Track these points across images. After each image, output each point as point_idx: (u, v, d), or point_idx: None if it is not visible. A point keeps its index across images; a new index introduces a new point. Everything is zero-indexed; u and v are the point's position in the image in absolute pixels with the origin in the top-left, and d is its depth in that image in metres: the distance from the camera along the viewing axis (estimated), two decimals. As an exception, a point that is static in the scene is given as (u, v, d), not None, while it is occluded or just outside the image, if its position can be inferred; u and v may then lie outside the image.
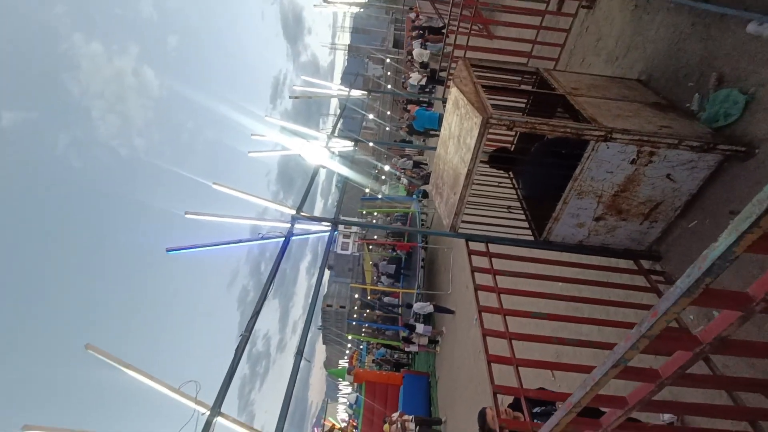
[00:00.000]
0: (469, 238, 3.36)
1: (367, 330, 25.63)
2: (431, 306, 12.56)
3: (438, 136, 3.61)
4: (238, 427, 2.28)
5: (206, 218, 3.82)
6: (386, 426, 9.62)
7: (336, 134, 6.07)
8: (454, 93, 3.14)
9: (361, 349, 25.25)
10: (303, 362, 2.82)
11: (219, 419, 2.21)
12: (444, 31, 9.45)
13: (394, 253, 21.77)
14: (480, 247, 3.32)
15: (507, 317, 2.73)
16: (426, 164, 19.25)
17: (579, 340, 2.60)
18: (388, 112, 33.07)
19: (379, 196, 22.66)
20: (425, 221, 16.70)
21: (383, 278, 20.70)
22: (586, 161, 2.77)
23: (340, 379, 24.12)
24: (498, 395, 2.35)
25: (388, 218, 24.45)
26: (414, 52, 13.86)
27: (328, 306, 53.03)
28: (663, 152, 2.69)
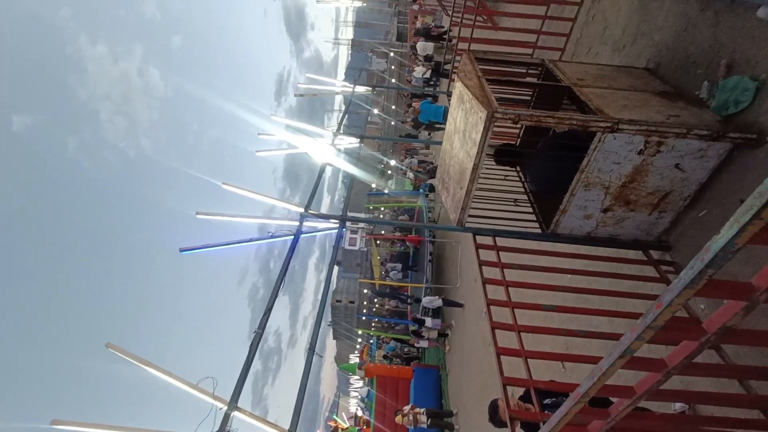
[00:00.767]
0: (476, 232, 3.37)
1: (376, 324, 25.80)
2: (440, 300, 12.60)
3: (443, 129, 3.61)
4: (255, 421, 2.35)
5: (217, 218, 3.89)
6: (398, 417, 9.73)
7: (341, 131, 6.09)
8: (458, 87, 3.14)
9: (371, 344, 25.45)
10: (315, 357, 2.88)
11: (236, 413, 2.28)
12: (445, 36, 9.37)
13: (402, 248, 21.82)
14: (487, 240, 3.33)
15: (516, 310, 2.75)
16: (431, 162, 19.19)
17: (587, 331, 2.62)
18: (393, 107, 32.95)
19: (386, 192, 22.67)
20: (432, 215, 16.69)
21: (392, 273, 20.79)
22: (592, 153, 2.76)
23: (351, 374, 24.36)
24: (508, 387, 2.38)
25: (396, 213, 24.48)
26: (418, 46, 13.79)
27: (337, 301, 53.41)
28: (671, 142, 2.66)
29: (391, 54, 35.07)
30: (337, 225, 3.93)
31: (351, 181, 5.96)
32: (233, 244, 3.64)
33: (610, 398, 1.62)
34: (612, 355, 1.10)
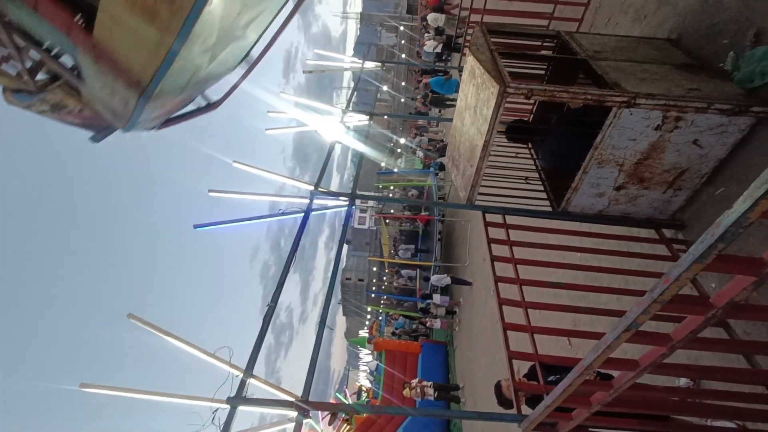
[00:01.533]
0: (485, 210, 3.36)
1: (385, 301, 26.27)
2: (448, 278, 12.72)
3: (455, 106, 3.55)
4: (269, 388, 2.47)
5: (229, 196, 3.95)
6: (406, 390, 10.05)
7: (350, 108, 6.01)
8: (470, 62, 3.06)
9: (381, 320, 26.02)
10: (326, 330, 2.98)
11: (251, 380, 2.40)
12: (459, 41, 8.98)
13: (411, 227, 21.87)
14: (497, 218, 3.33)
15: (523, 287, 2.77)
16: (441, 140, 18.90)
17: (593, 308, 2.64)
18: (403, 83, 32.24)
19: (395, 170, 22.53)
20: (442, 193, 16.61)
21: (400, 251, 20.95)
22: (607, 129, 2.69)
23: (360, 348, 25.07)
24: (514, 363, 2.44)
25: (405, 191, 24.44)
26: (429, 17, 13.29)
27: (347, 279, 54.30)
28: (690, 117, 2.58)
29: (401, 28, 34.01)
30: (347, 203, 3.95)
31: (360, 160, 5.94)
32: (245, 220, 3.71)
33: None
34: (617, 329, 1.11)
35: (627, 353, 2.07)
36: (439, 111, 16.48)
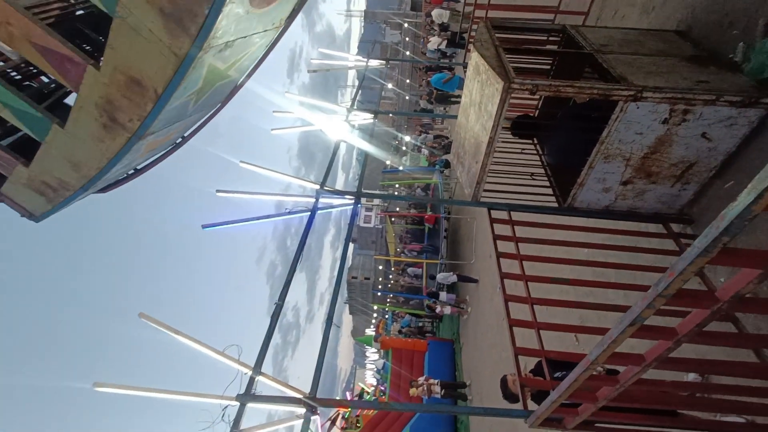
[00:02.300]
0: (491, 206, 3.36)
1: (392, 300, 26.30)
2: (455, 276, 12.69)
3: (459, 103, 3.55)
4: (277, 385, 2.50)
5: (237, 196, 3.99)
6: (412, 390, 10.06)
7: (355, 107, 6.02)
8: (474, 58, 3.05)
9: (387, 319, 26.07)
10: (332, 329, 3.00)
11: (260, 378, 2.43)
12: (464, 37, 8.91)
13: (419, 226, 21.82)
14: (503, 215, 3.32)
15: (530, 283, 2.77)
16: (447, 137, 18.84)
17: (599, 304, 2.62)
18: (408, 81, 32.16)
19: (401, 168, 22.50)
20: (448, 192, 16.56)
21: (406, 250, 20.94)
22: (613, 123, 2.67)
23: (367, 346, 25.16)
24: (520, 359, 2.44)
25: (411, 189, 24.41)
26: (433, 13, 13.24)
27: (353, 278, 54.45)
28: (699, 109, 2.54)
29: (405, 25, 33.90)
30: (353, 201, 3.97)
31: (365, 158, 5.95)
32: (252, 220, 3.74)
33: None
34: (622, 323, 1.11)
35: (634, 348, 2.06)
36: (444, 108, 16.42)
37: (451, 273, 12.97)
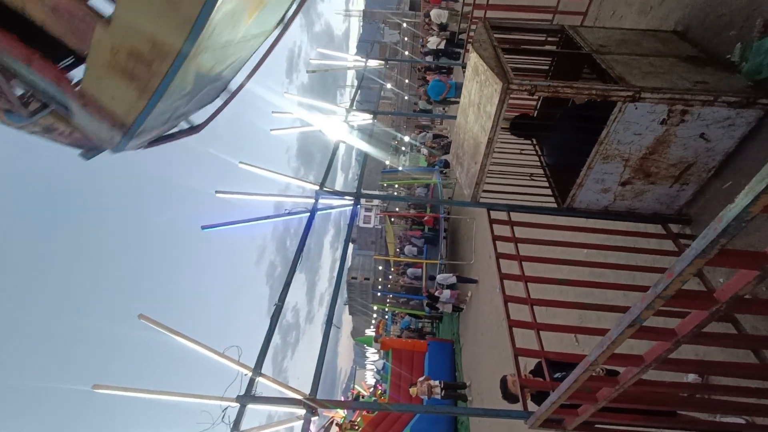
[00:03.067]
0: (490, 207, 3.36)
1: (391, 300, 26.29)
2: (454, 277, 12.69)
3: (458, 103, 3.55)
4: (277, 386, 2.51)
5: (236, 197, 3.99)
6: (413, 389, 10.06)
7: (354, 107, 6.03)
8: (473, 58, 3.05)
9: (387, 319, 26.06)
10: (332, 329, 3.00)
11: (260, 379, 2.43)
12: (462, 37, 8.92)
13: (418, 227, 21.81)
14: (502, 215, 3.32)
15: (529, 284, 2.77)
16: (446, 136, 18.86)
17: (599, 304, 2.63)
18: (407, 81, 32.18)
19: (400, 169, 22.51)
20: (450, 187, 16.56)
21: (406, 248, 20.92)
22: (612, 124, 2.67)
23: (367, 347, 25.15)
24: (520, 360, 2.44)
25: (410, 190, 24.42)
26: (432, 13, 13.25)
27: (353, 278, 54.45)
28: (697, 110, 2.55)
29: (404, 25, 33.92)
30: (352, 202, 3.97)
31: (365, 159, 5.95)
32: (252, 221, 3.74)
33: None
34: (622, 324, 1.12)
35: (634, 349, 2.06)
36: (443, 108, 16.44)
37: (451, 274, 12.97)
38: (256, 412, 2.58)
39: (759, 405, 1.63)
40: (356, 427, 13.33)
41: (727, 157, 2.75)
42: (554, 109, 3.91)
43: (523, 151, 4.21)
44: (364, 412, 12.74)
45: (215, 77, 2.58)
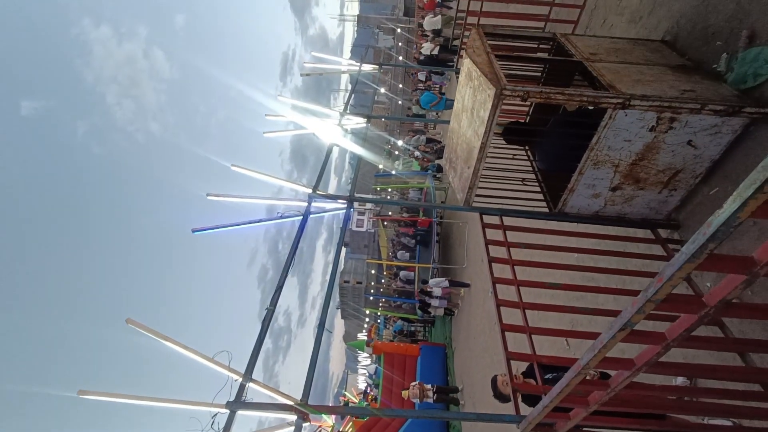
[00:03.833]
0: (483, 211, 3.38)
1: (384, 304, 26.21)
2: (446, 281, 12.71)
3: (451, 108, 3.57)
4: (268, 392, 2.47)
5: (228, 199, 3.95)
6: (405, 392, 10.02)
7: (348, 111, 6.03)
8: (467, 64, 3.08)
9: (379, 323, 25.96)
10: (324, 333, 2.98)
11: (251, 384, 2.40)
12: (456, 43, 9.05)
13: (411, 226, 21.81)
14: (494, 220, 3.34)
15: (521, 288, 2.79)
16: (439, 141, 18.97)
17: (590, 308, 2.65)
18: (400, 85, 32.33)
19: (393, 172, 22.55)
20: (443, 189, 16.61)
21: (399, 253, 20.92)
22: (602, 130, 2.72)
23: (359, 351, 25.00)
24: (512, 363, 2.45)
25: (403, 195, 24.46)
26: (425, 23, 13.37)
27: (345, 282, 54.19)
28: (684, 118, 2.60)
29: (398, 30, 34.15)
30: (345, 205, 3.95)
31: (358, 162, 5.95)
32: (244, 224, 3.71)
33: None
34: (613, 328, 1.13)
35: (625, 353, 2.08)
36: (437, 113, 16.54)
37: (443, 279, 12.99)
38: (246, 417, 2.54)
39: (745, 408, 1.66)
40: None
41: (714, 163, 2.81)
42: (546, 115, 3.96)
43: (515, 156, 4.25)
44: (354, 419, 12.63)
45: None
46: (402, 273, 20.74)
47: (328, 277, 3.41)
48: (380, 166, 22.77)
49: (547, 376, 2.64)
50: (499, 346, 2.55)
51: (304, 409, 2.34)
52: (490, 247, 3.16)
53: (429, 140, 19.41)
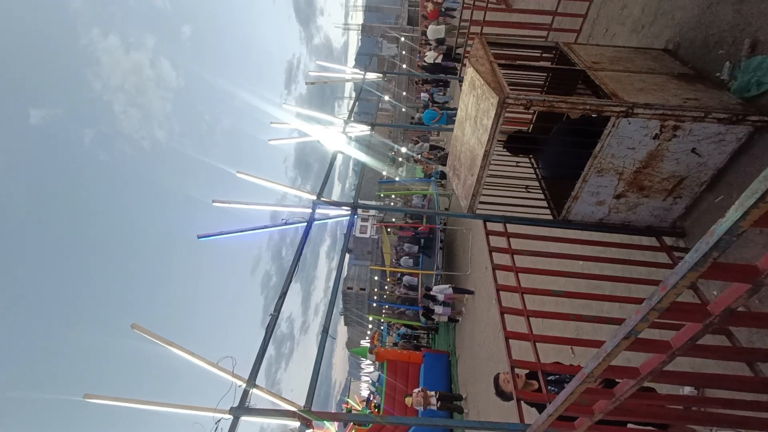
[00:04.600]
0: (486, 218, 3.38)
1: (387, 311, 26.11)
2: (450, 288, 12.65)
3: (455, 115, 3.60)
4: (272, 398, 2.47)
5: (233, 206, 3.99)
6: (408, 399, 9.93)
7: (352, 119, 6.08)
8: (470, 73, 3.12)
9: (382, 330, 25.84)
10: (327, 340, 2.98)
11: (254, 390, 2.40)
12: (459, 52, 9.18)
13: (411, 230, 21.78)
14: (498, 227, 3.34)
15: (525, 295, 2.78)
16: (443, 148, 19.03)
17: (595, 316, 2.64)
18: (404, 93, 32.56)
19: (397, 179, 22.61)
20: (447, 195, 16.61)
21: (402, 259, 20.88)
22: (606, 138, 2.73)
23: (362, 358, 24.85)
24: (516, 369, 2.43)
25: (407, 202, 24.48)
26: (428, 32, 13.51)
27: (348, 288, 54.08)
28: (688, 126, 2.61)
29: (402, 39, 34.49)
30: (349, 212, 3.97)
31: (362, 169, 5.98)
32: (248, 230, 3.73)
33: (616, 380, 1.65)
34: (617, 337, 1.13)
35: (631, 361, 2.06)
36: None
37: (447, 286, 12.93)
38: (249, 423, 2.54)
39: (753, 418, 1.64)
40: None
41: (718, 171, 2.80)
42: (549, 123, 3.98)
43: (519, 164, 4.26)
44: (357, 426, 12.52)
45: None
46: (405, 278, 20.69)
47: (331, 284, 3.42)
48: (384, 173, 22.87)
49: (549, 377, 2.63)
50: (504, 353, 2.54)
51: (307, 416, 2.34)
52: (494, 254, 3.16)
53: (432, 147, 19.51)
